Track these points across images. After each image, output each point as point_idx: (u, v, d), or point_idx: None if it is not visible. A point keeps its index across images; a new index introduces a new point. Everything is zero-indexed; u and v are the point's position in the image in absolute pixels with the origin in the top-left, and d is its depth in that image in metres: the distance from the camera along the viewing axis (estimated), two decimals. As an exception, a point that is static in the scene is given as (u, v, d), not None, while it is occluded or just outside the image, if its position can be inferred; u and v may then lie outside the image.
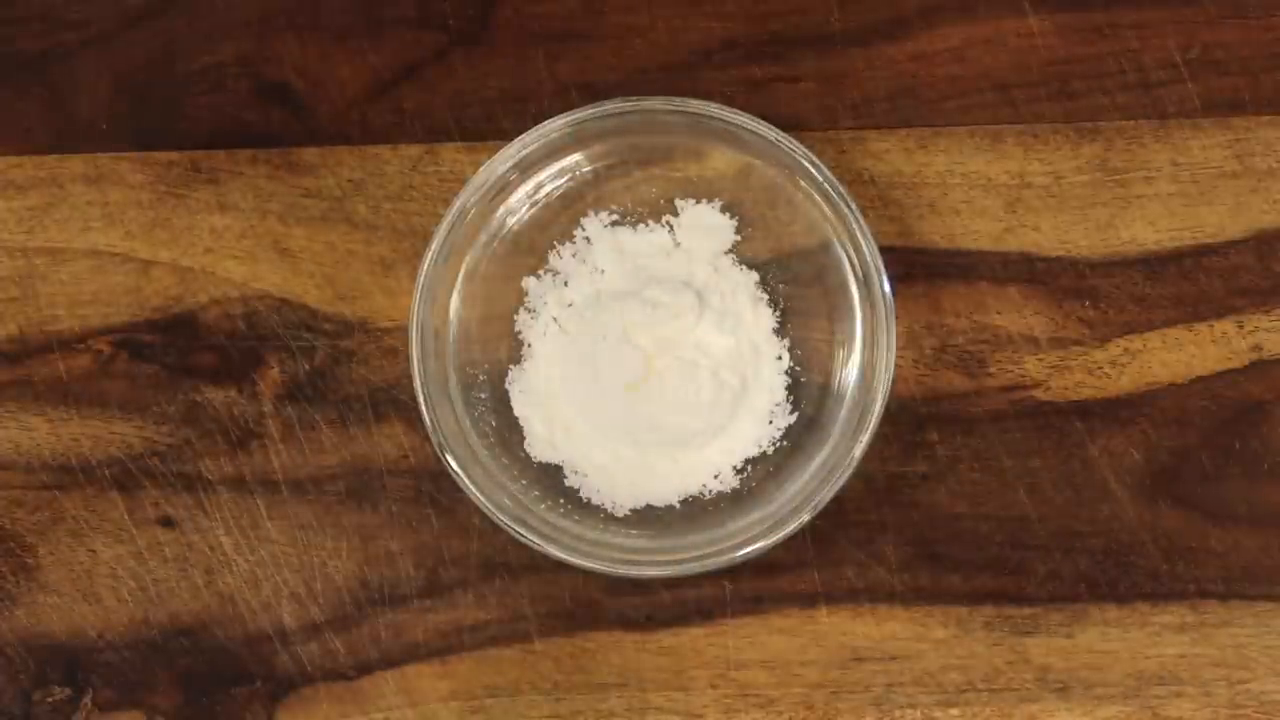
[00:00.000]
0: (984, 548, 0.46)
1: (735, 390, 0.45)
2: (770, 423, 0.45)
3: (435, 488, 0.47)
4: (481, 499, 0.44)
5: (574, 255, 0.46)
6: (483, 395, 0.46)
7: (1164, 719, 0.46)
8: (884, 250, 0.45)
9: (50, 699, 0.46)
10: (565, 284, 0.46)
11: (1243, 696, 0.46)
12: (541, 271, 0.46)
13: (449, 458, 0.44)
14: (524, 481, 0.46)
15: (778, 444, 0.46)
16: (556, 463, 0.46)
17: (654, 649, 0.46)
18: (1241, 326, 0.47)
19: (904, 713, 0.46)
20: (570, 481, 0.46)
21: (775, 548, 0.43)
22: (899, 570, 0.46)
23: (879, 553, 0.46)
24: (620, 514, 0.45)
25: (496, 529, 0.46)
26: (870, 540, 0.46)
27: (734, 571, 0.46)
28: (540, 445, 0.46)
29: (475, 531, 0.47)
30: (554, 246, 0.47)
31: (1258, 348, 0.47)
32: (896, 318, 0.45)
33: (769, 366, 0.45)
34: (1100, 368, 0.47)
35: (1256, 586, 0.46)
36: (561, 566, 0.45)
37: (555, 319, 0.46)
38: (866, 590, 0.46)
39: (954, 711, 0.46)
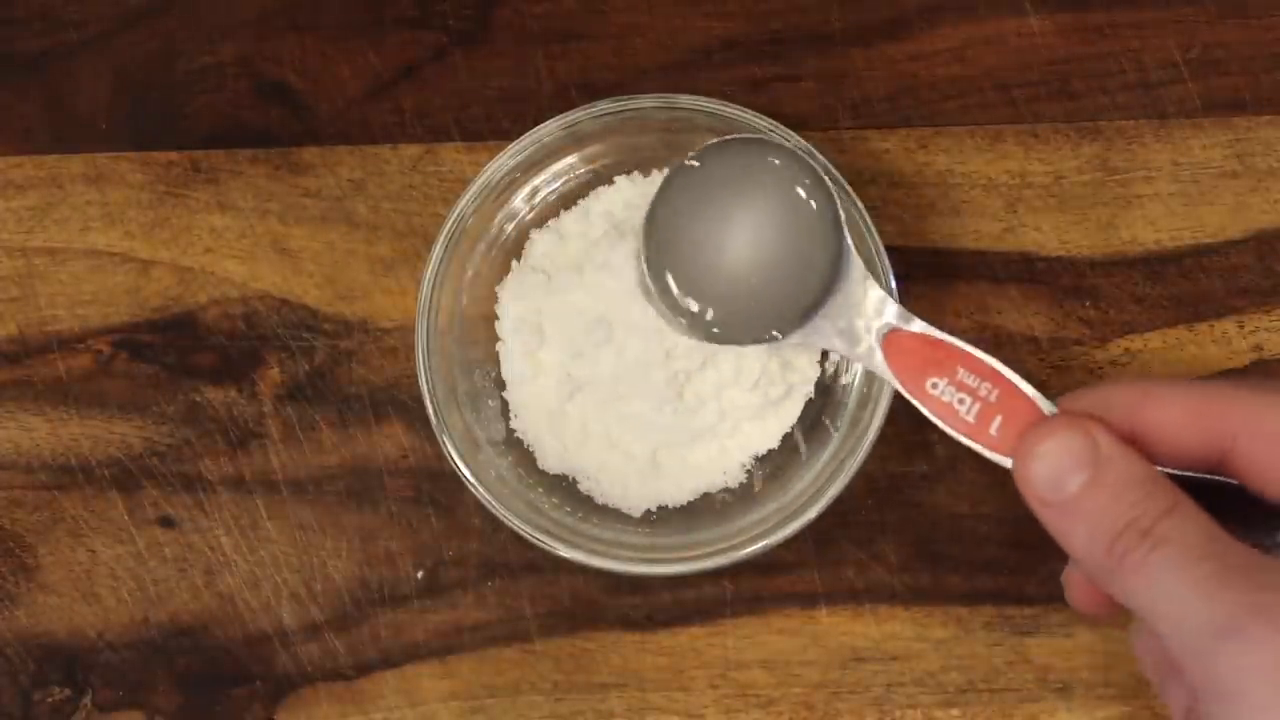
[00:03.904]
0: (984, 548, 0.46)
1: (738, 388, 0.45)
2: (774, 421, 0.45)
3: (435, 488, 0.47)
4: (489, 498, 0.44)
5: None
6: (489, 400, 0.46)
7: (1165, 719, 0.46)
8: (884, 250, 0.45)
9: (50, 699, 0.46)
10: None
11: (1243, 697, 0.46)
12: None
13: (455, 459, 0.44)
14: (530, 480, 0.46)
15: (782, 442, 0.46)
16: (568, 472, 0.46)
17: (654, 649, 0.46)
18: (1242, 326, 0.47)
19: (904, 713, 0.46)
20: (583, 487, 0.46)
21: (776, 548, 0.43)
22: (899, 570, 0.46)
23: (879, 553, 0.46)
24: (633, 514, 0.45)
25: (496, 529, 0.46)
26: (870, 540, 0.46)
27: (736, 570, 0.46)
28: (551, 458, 0.46)
29: (475, 531, 0.47)
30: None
31: (1258, 348, 0.47)
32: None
33: (774, 365, 0.45)
34: (1101, 368, 0.47)
35: (1257, 586, 0.46)
36: (561, 566, 0.45)
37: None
38: (867, 590, 0.46)
39: (954, 712, 0.46)
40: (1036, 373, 0.47)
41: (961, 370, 0.39)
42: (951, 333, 0.47)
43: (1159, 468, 0.36)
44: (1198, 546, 0.34)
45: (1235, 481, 0.36)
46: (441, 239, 0.45)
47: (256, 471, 0.47)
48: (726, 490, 0.46)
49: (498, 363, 0.46)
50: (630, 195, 0.46)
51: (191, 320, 0.48)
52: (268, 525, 0.47)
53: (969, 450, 0.46)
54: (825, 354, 0.46)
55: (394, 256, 0.48)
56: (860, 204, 0.44)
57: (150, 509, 0.47)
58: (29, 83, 0.49)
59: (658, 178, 0.46)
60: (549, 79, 0.49)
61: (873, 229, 0.44)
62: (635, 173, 0.47)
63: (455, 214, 0.45)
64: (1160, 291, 0.47)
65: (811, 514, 0.43)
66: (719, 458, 0.45)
